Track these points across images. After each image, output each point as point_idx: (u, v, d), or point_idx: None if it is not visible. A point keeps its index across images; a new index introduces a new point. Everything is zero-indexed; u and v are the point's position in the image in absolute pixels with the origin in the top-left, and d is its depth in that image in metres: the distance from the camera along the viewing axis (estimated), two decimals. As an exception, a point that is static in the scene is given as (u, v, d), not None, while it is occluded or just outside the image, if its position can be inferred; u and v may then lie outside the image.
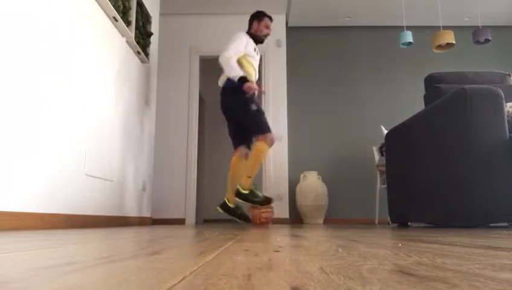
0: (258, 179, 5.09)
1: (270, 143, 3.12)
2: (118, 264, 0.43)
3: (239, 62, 3.17)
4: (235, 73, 3.06)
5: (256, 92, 3.19)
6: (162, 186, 4.46)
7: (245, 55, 3.24)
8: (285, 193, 4.61)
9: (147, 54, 3.64)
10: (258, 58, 3.38)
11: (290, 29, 5.24)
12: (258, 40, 3.37)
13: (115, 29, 2.93)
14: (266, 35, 3.41)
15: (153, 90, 4.03)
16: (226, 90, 3.16)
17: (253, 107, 3.12)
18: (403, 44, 4.24)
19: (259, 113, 3.18)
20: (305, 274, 0.35)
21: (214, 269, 0.39)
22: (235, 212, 3.26)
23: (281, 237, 1.14)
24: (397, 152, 2.85)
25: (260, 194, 3.13)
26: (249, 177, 3.09)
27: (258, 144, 3.07)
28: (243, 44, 3.22)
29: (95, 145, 2.55)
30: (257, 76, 3.38)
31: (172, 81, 4.78)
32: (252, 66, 3.26)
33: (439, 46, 4.17)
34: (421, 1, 4.84)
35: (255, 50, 3.32)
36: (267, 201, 3.11)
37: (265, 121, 3.20)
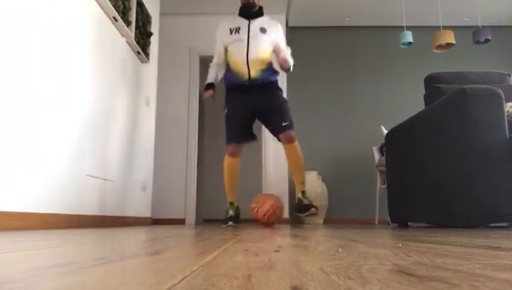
0: (258, 179, 5.10)
1: (230, 154, 2.94)
2: (117, 264, 0.43)
3: (226, 59, 2.99)
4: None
5: (210, 99, 3.01)
6: (162, 186, 4.46)
7: (226, 48, 2.97)
8: (285, 193, 4.62)
9: (147, 54, 3.64)
10: (243, 36, 2.88)
11: (290, 29, 5.24)
12: (245, 11, 2.95)
13: (115, 29, 2.93)
14: (247, 0, 2.92)
15: (153, 90, 4.03)
16: None
17: (225, 110, 3.00)
18: (403, 44, 4.24)
19: (227, 120, 2.98)
20: (305, 274, 0.35)
21: (214, 269, 0.39)
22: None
23: (281, 237, 1.14)
24: (397, 152, 2.85)
25: (230, 212, 2.94)
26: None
27: None
28: (218, 41, 3.00)
29: (95, 145, 2.55)
30: (258, 52, 2.87)
31: (172, 81, 4.78)
32: (235, 54, 2.89)
33: (439, 46, 4.17)
34: (421, 1, 4.84)
35: (234, 31, 2.90)
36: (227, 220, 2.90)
37: (231, 129, 2.96)
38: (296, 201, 2.95)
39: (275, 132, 2.95)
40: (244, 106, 2.92)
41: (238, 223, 2.97)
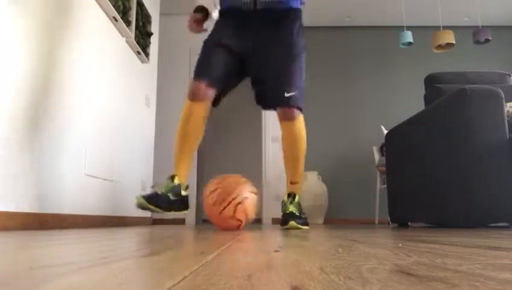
0: (258, 179, 5.09)
1: (192, 95, 1.85)
2: (117, 264, 0.43)
3: None
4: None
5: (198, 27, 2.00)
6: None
7: None
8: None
9: (147, 54, 3.64)
10: None
11: (290, 29, 5.24)
12: None
13: (115, 29, 2.93)
14: None
15: (153, 90, 4.03)
16: None
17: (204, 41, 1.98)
18: (403, 44, 4.24)
19: (203, 46, 1.94)
20: (305, 274, 0.35)
21: (214, 269, 0.39)
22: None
23: (281, 237, 1.13)
24: (397, 152, 2.85)
25: (157, 189, 1.79)
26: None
27: None
28: None
29: (95, 145, 2.55)
30: None
31: (172, 81, 4.78)
32: None
33: (439, 46, 4.17)
34: (421, 1, 4.84)
35: None
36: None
37: (205, 60, 1.89)
38: (282, 204, 2.01)
39: (271, 101, 1.95)
40: (238, 40, 1.89)
41: (163, 208, 1.71)
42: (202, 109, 1.87)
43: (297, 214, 1.87)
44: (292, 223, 1.78)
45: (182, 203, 1.82)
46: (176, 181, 1.84)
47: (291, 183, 2.02)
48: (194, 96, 1.85)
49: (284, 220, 1.86)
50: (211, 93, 1.87)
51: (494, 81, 2.65)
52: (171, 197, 1.76)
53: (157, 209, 1.69)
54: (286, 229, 1.81)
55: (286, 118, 1.91)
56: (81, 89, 2.38)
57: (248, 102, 6.61)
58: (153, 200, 1.69)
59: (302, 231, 1.59)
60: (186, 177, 1.92)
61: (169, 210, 1.75)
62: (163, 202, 1.73)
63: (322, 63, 5.26)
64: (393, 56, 5.28)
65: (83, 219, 2.35)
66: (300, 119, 1.94)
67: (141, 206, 1.68)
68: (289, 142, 1.96)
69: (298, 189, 2.02)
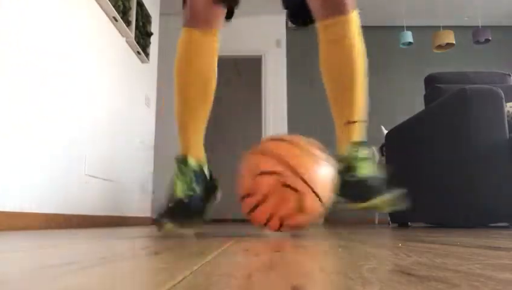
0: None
1: (192, 20, 1.19)
2: (117, 264, 0.43)
3: None
4: None
5: None
6: (162, 186, 4.46)
7: None
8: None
9: (147, 54, 3.64)
10: None
11: (290, 29, 5.24)
12: None
13: (115, 29, 2.93)
14: None
15: (153, 90, 4.03)
16: None
17: None
18: (403, 44, 4.24)
19: None
20: (305, 274, 0.35)
21: (214, 269, 0.39)
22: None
23: (281, 237, 1.13)
24: (397, 152, 2.85)
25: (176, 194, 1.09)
26: None
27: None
28: None
29: (95, 145, 2.55)
30: None
31: (172, 81, 4.77)
32: None
33: (439, 46, 4.17)
34: (421, 1, 4.84)
35: None
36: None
37: None
38: (339, 170, 1.13)
39: None
40: None
41: (192, 219, 1.07)
42: (211, 39, 1.20)
43: (378, 177, 1.09)
44: (380, 199, 1.00)
45: (212, 190, 1.15)
46: (193, 162, 1.13)
47: (349, 123, 1.22)
48: (195, 19, 1.17)
49: (359, 192, 1.06)
50: (220, 11, 1.18)
51: (494, 81, 2.65)
52: (198, 190, 1.09)
53: (195, 222, 1.05)
54: (364, 209, 1.04)
55: (332, 9, 1.15)
56: (81, 88, 2.38)
57: (248, 101, 6.60)
58: (182, 213, 1.02)
59: (302, 231, 1.38)
60: (202, 152, 1.20)
61: (205, 212, 1.11)
62: (197, 207, 1.06)
63: (322, 63, 5.27)
64: (393, 56, 5.29)
65: (83, 218, 2.35)
66: (355, 14, 1.19)
67: (172, 230, 1.03)
68: (339, 53, 1.22)
69: (362, 134, 1.23)
